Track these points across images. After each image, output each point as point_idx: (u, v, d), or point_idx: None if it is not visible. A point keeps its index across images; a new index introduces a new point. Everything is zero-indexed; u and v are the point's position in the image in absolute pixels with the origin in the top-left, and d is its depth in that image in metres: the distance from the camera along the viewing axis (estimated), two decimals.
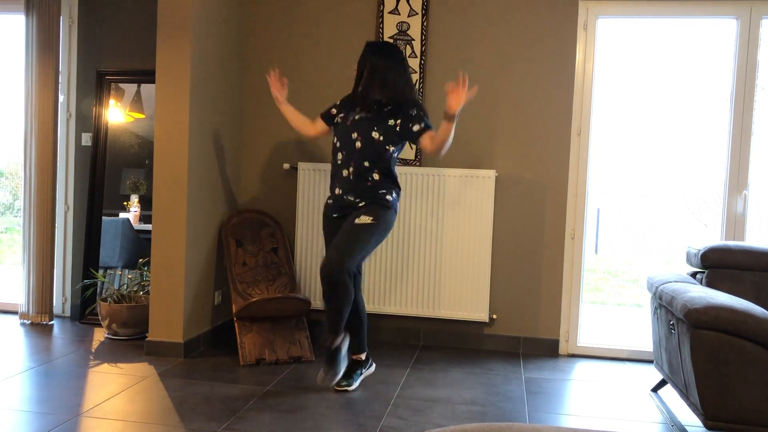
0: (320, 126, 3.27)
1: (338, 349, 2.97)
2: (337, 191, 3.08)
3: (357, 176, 3.01)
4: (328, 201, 3.14)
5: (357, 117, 3.04)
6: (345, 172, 3.03)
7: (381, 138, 3.00)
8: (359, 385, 3.15)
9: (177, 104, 3.47)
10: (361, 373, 3.17)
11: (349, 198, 3.03)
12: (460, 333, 3.96)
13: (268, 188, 4.15)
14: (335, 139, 3.10)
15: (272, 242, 3.88)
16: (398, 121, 3.01)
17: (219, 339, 3.92)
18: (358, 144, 3.00)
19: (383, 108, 3.05)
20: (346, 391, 3.06)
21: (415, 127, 3.00)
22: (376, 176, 3.01)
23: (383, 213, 2.99)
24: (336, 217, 3.12)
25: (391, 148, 3.03)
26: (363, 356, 3.19)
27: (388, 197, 3.03)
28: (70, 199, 4.33)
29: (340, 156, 3.05)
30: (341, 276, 2.83)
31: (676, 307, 2.55)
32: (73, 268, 4.35)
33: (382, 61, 3.02)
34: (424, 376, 3.33)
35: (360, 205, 3.01)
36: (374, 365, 3.32)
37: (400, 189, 3.12)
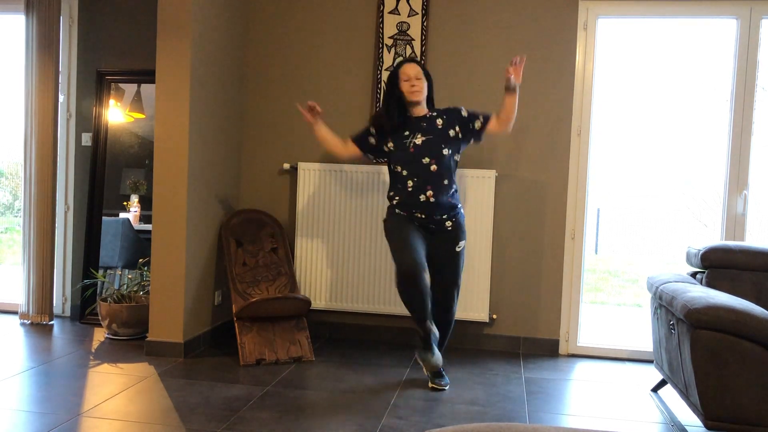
0: (352, 149, 3.32)
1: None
2: (419, 215, 3.13)
3: (438, 196, 3.10)
4: (401, 214, 3.16)
5: (419, 141, 3.11)
6: (423, 197, 3.10)
7: (450, 152, 3.13)
8: (359, 386, 3.15)
9: (177, 104, 3.47)
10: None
11: (436, 218, 3.13)
12: (460, 333, 3.96)
13: (268, 188, 4.15)
14: (398, 168, 3.14)
15: (272, 242, 3.88)
16: (457, 129, 3.15)
17: (219, 339, 3.92)
18: (434, 167, 3.08)
19: (435, 123, 3.14)
20: (444, 389, 3.13)
21: (477, 124, 3.17)
22: (452, 190, 3.16)
23: (464, 229, 3.24)
24: (418, 225, 3.17)
25: (456, 156, 3.20)
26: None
27: (462, 210, 3.26)
28: (70, 199, 4.33)
29: (410, 183, 3.11)
30: (454, 313, 3.31)
31: (676, 307, 2.55)
32: (73, 268, 4.35)
33: (429, 78, 3.21)
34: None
35: (447, 223, 3.15)
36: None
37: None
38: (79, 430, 2.47)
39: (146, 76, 4.18)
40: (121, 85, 4.28)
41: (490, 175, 3.82)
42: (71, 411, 2.66)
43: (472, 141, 3.25)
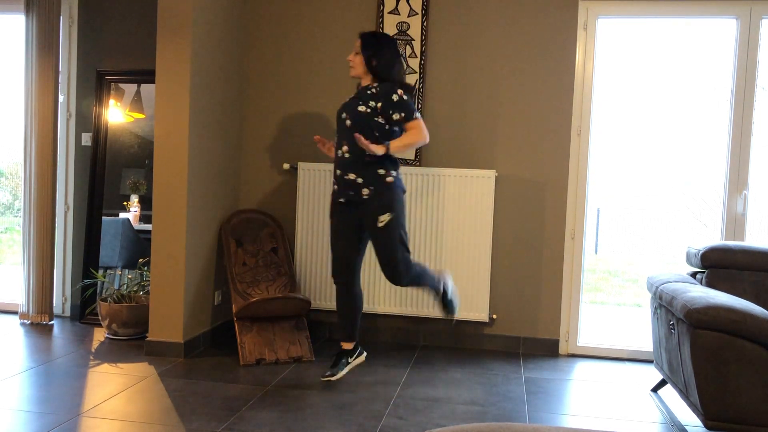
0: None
1: (446, 293, 3.21)
2: (337, 172, 3.10)
3: (353, 152, 3.05)
4: (334, 187, 3.14)
5: (348, 100, 3.16)
6: (340, 152, 3.10)
7: (368, 111, 3.04)
8: (359, 385, 3.15)
9: (177, 104, 3.47)
10: (348, 362, 3.19)
11: (350, 176, 3.04)
12: (460, 333, 3.96)
13: (268, 188, 4.15)
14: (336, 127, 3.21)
15: (272, 242, 3.88)
16: (379, 104, 3.03)
17: (219, 339, 3.92)
18: (348, 122, 3.07)
19: (368, 91, 3.10)
20: (330, 380, 3.11)
21: (396, 116, 3.04)
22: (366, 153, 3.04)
23: (391, 198, 3.04)
24: (343, 203, 3.10)
25: (382, 120, 3.04)
26: (351, 346, 3.21)
27: (389, 178, 3.04)
28: (70, 199, 4.33)
29: (336, 139, 3.17)
30: (408, 281, 3.10)
31: (676, 307, 2.55)
32: (73, 268, 4.35)
33: (378, 49, 3.10)
34: (424, 376, 3.33)
35: (363, 189, 3.01)
36: (365, 353, 3.29)
37: (398, 167, 3.13)
38: (79, 430, 2.47)
39: (146, 76, 4.18)
40: (121, 85, 4.28)
41: (490, 175, 3.82)
42: (71, 411, 2.66)
43: (388, 125, 3.09)
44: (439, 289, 3.20)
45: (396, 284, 3.10)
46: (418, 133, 3.04)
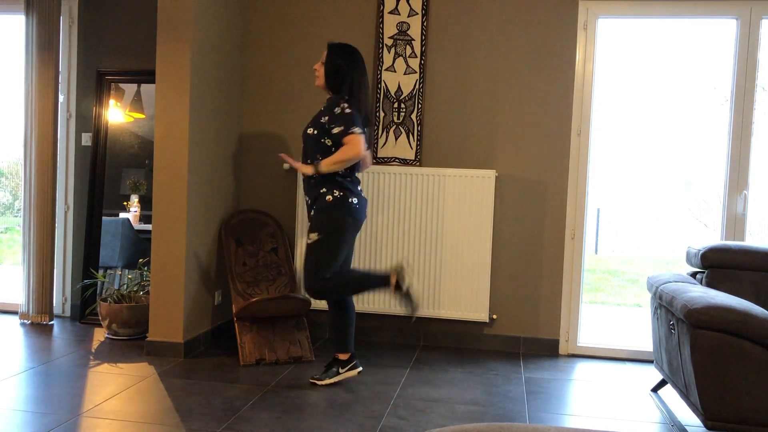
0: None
1: (400, 285, 3.04)
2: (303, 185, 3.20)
3: (305, 175, 3.10)
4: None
5: (315, 114, 3.19)
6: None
7: (315, 132, 3.06)
8: (359, 385, 3.15)
9: (177, 104, 3.47)
10: (338, 372, 3.14)
11: (307, 198, 3.15)
12: (460, 333, 3.96)
13: (268, 188, 4.15)
14: None
15: (272, 242, 3.88)
16: (326, 118, 3.04)
17: (219, 339, 3.92)
18: (303, 144, 3.16)
19: (327, 104, 3.12)
20: (315, 384, 3.10)
21: (335, 129, 2.99)
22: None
23: (328, 222, 3.00)
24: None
25: (329, 142, 3.03)
26: (346, 356, 3.16)
27: (328, 197, 3.00)
28: (70, 199, 4.33)
29: (302, 152, 3.21)
30: (318, 295, 3.08)
31: (676, 307, 2.55)
32: (73, 268, 4.35)
33: (342, 61, 3.09)
34: (424, 376, 3.33)
35: (312, 210, 3.10)
36: (361, 368, 3.20)
37: (350, 187, 3.05)
38: (79, 430, 2.47)
39: (146, 76, 4.18)
40: (121, 85, 4.28)
41: (490, 175, 3.82)
42: (71, 411, 2.66)
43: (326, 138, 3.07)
44: (389, 282, 3.03)
45: (312, 296, 3.11)
46: (348, 148, 2.93)
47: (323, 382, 3.12)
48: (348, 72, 3.06)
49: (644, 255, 10.39)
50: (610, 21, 3.90)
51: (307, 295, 3.21)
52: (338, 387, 3.12)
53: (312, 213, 3.10)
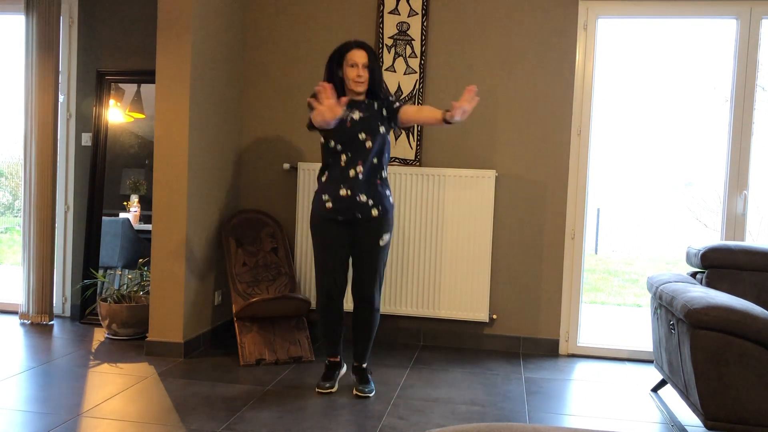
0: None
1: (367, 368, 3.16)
2: (343, 192, 2.95)
3: (368, 174, 2.99)
4: (326, 204, 2.99)
5: (357, 116, 2.98)
6: (352, 172, 2.96)
7: (384, 130, 3.02)
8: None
9: (177, 104, 3.47)
10: (339, 374, 3.20)
11: (361, 198, 2.96)
12: (460, 333, 3.96)
13: (268, 188, 4.15)
14: (332, 143, 2.97)
15: (272, 242, 3.88)
16: (384, 107, 3.03)
17: (219, 339, 3.92)
18: (369, 144, 2.96)
19: (372, 104, 3.04)
20: (331, 392, 3.06)
21: (396, 104, 3.04)
22: (383, 173, 3.05)
23: (392, 220, 3.10)
24: (342, 220, 3.00)
25: (388, 139, 3.08)
26: (339, 358, 3.20)
27: (391, 199, 3.10)
28: (70, 199, 4.33)
29: (344, 158, 2.96)
30: (377, 305, 3.08)
31: (676, 307, 2.55)
32: (73, 268, 4.35)
33: (378, 62, 3.05)
34: (424, 376, 3.33)
35: (373, 210, 2.99)
36: (345, 365, 3.32)
37: None
38: (79, 430, 2.47)
39: (146, 76, 4.18)
40: (121, 85, 4.28)
41: (490, 175, 3.82)
42: (71, 411, 2.66)
43: (392, 125, 3.10)
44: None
45: (366, 303, 3.05)
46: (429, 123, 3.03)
47: (336, 388, 3.10)
48: (380, 70, 3.10)
49: (644, 255, 10.39)
50: (610, 21, 3.90)
51: (376, 305, 3.08)
52: (338, 387, 3.12)
53: (376, 214, 3.01)
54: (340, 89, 3.00)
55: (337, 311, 3.10)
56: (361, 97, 3.03)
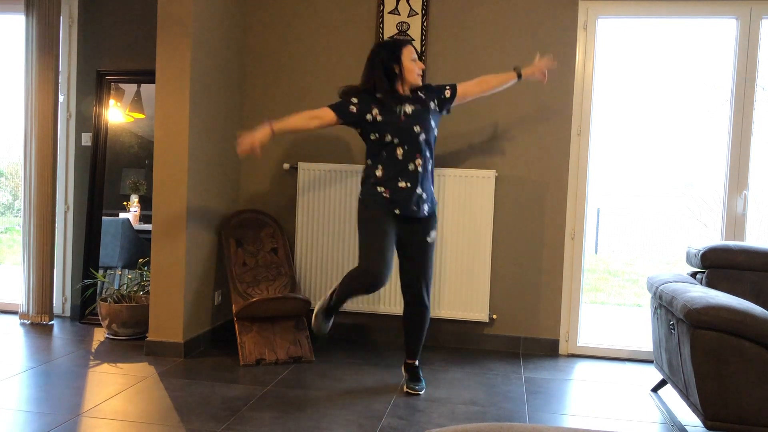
0: (328, 117, 3.05)
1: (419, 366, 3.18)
2: (402, 184, 2.98)
3: (424, 168, 3.04)
4: (383, 195, 2.98)
5: (410, 110, 3.03)
6: (411, 166, 2.99)
7: (434, 123, 3.09)
8: (359, 385, 3.15)
9: (177, 104, 3.47)
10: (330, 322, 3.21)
11: (418, 192, 3.01)
12: (460, 333, 3.96)
13: (268, 188, 4.15)
14: (388, 137, 2.98)
15: (272, 242, 3.88)
16: (434, 98, 3.13)
17: (219, 339, 3.92)
18: (423, 136, 3.02)
19: (418, 95, 3.12)
20: (414, 394, 3.06)
21: (447, 93, 3.16)
22: (432, 166, 3.11)
23: (437, 216, 3.19)
24: (399, 214, 3.00)
25: (436, 132, 3.16)
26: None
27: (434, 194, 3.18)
28: (70, 199, 4.33)
29: (400, 150, 2.99)
30: (428, 303, 3.12)
31: (676, 307, 2.55)
32: (73, 268, 4.35)
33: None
34: (424, 376, 3.33)
35: (425, 206, 3.04)
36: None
37: None
38: (79, 430, 2.47)
39: (146, 76, 4.18)
40: (121, 85, 4.28)
41: (490, 175, 3.82)
42: (71, 411, 2.66)
43: (444, 113, 3.20)
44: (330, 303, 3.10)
45: (418, 301, 3.07)
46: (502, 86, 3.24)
47: (423, 391, 3.10)
48: None
49: (644, 255, 10.39)
50: (610, 21, 3.90)
51: (427, 303, 3.09)
52: (338, 387, 3.12)
53: (428, 209, 3.05)
54: (390, 82, 3.06)
55: (367, 289, 2.96)
56: (407, 92, 3.10)
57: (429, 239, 3.08)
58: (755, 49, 3.68)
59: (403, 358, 3.29)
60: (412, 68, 3.06)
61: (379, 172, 3.02)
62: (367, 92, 3.08)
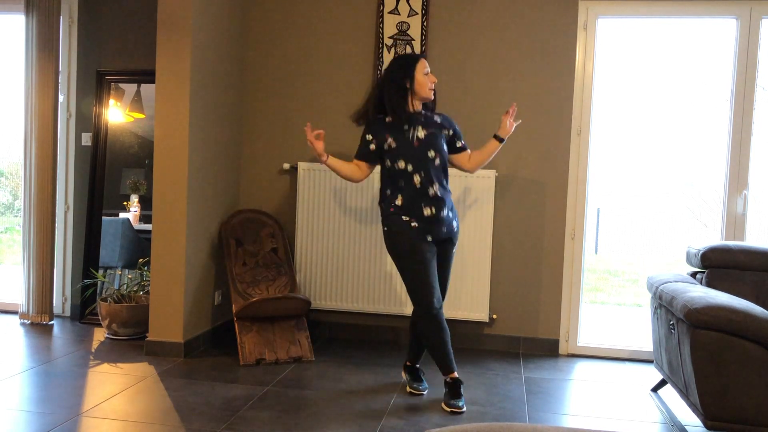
0: (364, 169, 3.10)
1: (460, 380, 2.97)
2: (428, 211, 2.93)
3: (443, 192, 2.99)
4: (411, 224, 2.93)
5: (422, 134, 2.99)
6: (431, 192, 2.94)
7: (446, 148, 3.08)
8: (359, 385, 3.15)
9: (177, 104, 3.47)
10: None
11: (443, 215, 2.98)
12: (460, 333, 3.96)
13: (268, 188, 4.15)
14: (402, 164, 2.95)
15: (272, 242, 3.88)
16: (450, 132, 3.11)
17: (219, 339, 3.92)
18: (438, 161, 2.97)
19: (431, 118, 3.07)
20: (458, 413, 2.85)
21: (458, 144, 3.14)
22: (447, 184, 3.07)
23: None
24: (431, 241, 2.97)
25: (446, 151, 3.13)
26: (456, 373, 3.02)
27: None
28: (70, 199, 4.33)
29: (417, 179, 2.94)
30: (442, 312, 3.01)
31: (676, 307, 2.55)
32: (73, 268, 4.35)
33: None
34: (425, 377, 3.33)
35: (454, 223, 3.05)
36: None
37: None
38: (79, 430, 2.47)
39: (146, 76, 4.18)
40: (121, 85, 4.28)
41: (490, 175, 3.82)
42: (71, 411, 2.66)
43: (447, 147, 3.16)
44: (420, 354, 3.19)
45: (439, 305, 2.94)
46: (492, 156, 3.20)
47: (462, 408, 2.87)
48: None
49: (644, 255, 10.39)
50: (610, 21, 3.90)
51: (437, 309, 2.93)
52: (338, 387, 3.12)
53: (455, 227, 3.06)
54: (402, 99, 2.99)
55: (443, 323, 2.96)
56: (418, 107, 3.04)
57: (455, 249, 3.15)
58: (755, 49, 3.68)
59: (402, 358, 3.28)
60: (424, 82, 2.99)
61: (399, 202, 2.97)
62: (376, 117, 3.06)
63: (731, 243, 3.06)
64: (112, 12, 4.27)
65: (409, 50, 3.93)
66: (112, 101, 4.27)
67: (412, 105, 3.02)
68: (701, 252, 3.06)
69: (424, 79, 2.99)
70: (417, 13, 3.92)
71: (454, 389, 2.91)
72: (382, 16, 3.96)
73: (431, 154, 2.96)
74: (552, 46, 3.84)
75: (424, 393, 3.08)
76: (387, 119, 3.03)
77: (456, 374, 2.95)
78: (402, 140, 2.97)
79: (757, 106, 3.71)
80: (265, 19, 4.13)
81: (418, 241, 2.93)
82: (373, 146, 3.04)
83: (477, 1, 3.90)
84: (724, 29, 3.86)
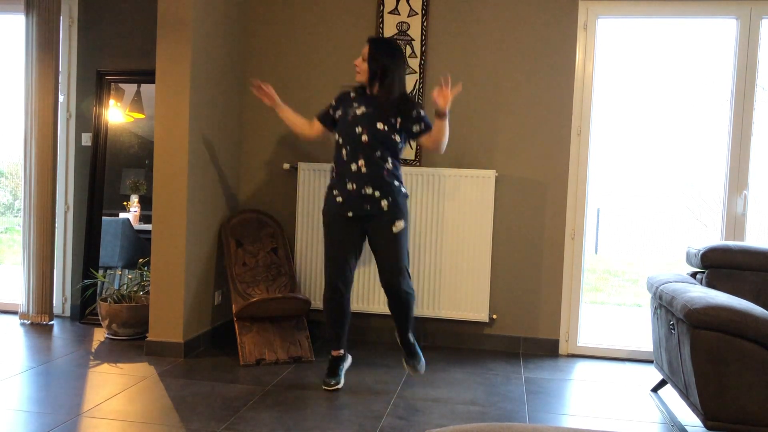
0: (317, 127, 3.28)
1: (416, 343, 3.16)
2: (350, 186, 3.02)
3: (370, 167, 3.01)
4: (336, 199, 3.05)
5: (359, 112, 3.05)
6: (354, 167, 3.01)
7: (386, 128, 3.03)
8: (359, 385, 3.15)
9: (177, 104, 3.47)
10: (343, 368, 3.21)
11: (367, 191, 3.00)
12: (460, 333, 3.96)
13: (268, 188, 4.15)
14: (337, 137, 3.11)
15: (272, 242, 3.88)
16: (398, 120, 3.05)
17: (219, 339, 3.92)
18: (365, 138, 3.01)
19: (385, 104, 3.05)
20: (338, 389, 3.09)
21: (415, 128, 3.08)
22: (389, 165, 3.05)
23: (405, 207, 3.12)
24: (352, 216, 3.04)
25: (397, 138, 3.08)
26: (342, 352, 3.22)
27: (403, 189, 3.12)
28: (70, 199, 4.33)
29: (344, 152, 3.05)
30: (407, 289, 3.05)
31: (676, 307, 2.55)
32: (73, 268, 4.35)
33: (389, 60, 3.03)
34: (424, 376, 3.33)
35: (382, 202, 3.01)
36: (350, 357, 3.33)
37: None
38: (79, 430, 2.47)
39: (146, 76, 4.18)
40: (121, 85, 4.28)
41: (490, 175, 3.82)
42: (71, 411, 2.66)
43: (402, 135, 3.12)
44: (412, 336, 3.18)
45: (394, 291, 3.00)
46: (446, 131, 3.04)
47: (342, 384, 3.14)
48: (395, 70, 3.06)
49: (644, 255, 10.39)
50: (610, 21, 3.90)
51: (406, 289, 3.02)
52: (344, 382, 3.12)
53: (385, 205, 3.01)
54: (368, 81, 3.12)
55: (341, 305, 3.11)
56: (374, 90, 3.08)
57: (395, 229, 3.03)
58: (755, 49, 3.68)
59: (401, 358, 3.28)
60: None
61: (334, 174, 3.13)
62: (354, 89, 3.19)
63: (731, 243, 3.06)
64: (112, 12, 4.27)
65: (409, 50, 3.93)
66: (112, 101, 4.27)
67: (370, 89, 3.11)
68: (701, 252, 3.06)
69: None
70: (417, 13, 3.92)
71: (331, 366, 3.16)
72: (382, 17, 3.96)
73: (358, 130, 3.03)
74: (552, 46, 3.84)
75: (421, 372, 3.16)
76: (352, 94, 3.16)
77: (340, 352, 3.19)
78: (343, 115, 3.12)
79: (757, 106, 3.71)
80: (265, 19, 4.13)
81: (338, 217, 3.07)
82: (331, 111, 3.22)
83: (477, 1, 3.90)
84: (724, 29, 3.86)
